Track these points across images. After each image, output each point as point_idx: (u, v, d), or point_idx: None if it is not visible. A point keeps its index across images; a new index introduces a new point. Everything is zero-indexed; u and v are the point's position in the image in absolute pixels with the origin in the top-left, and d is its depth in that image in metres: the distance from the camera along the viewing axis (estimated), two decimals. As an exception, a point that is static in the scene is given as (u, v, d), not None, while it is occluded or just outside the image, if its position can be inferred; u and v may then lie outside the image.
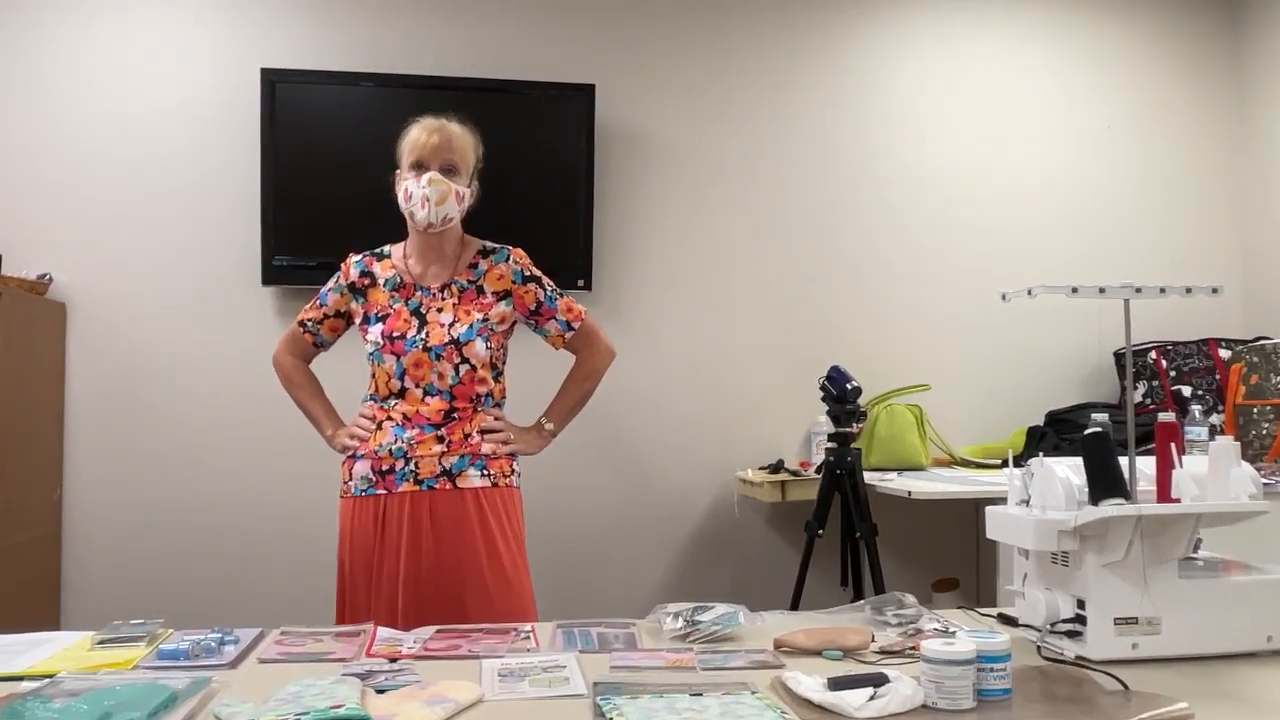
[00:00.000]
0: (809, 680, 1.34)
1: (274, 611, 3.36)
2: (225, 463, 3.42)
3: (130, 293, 3.39)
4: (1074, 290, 1.54)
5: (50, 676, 1.41)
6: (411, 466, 2.12)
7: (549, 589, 3.55)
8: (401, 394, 2.14)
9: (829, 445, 3.13)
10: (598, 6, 3.66)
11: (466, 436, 2.14)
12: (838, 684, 1.31)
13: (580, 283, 3.49)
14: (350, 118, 3.40)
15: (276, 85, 3.36)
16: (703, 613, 1.70)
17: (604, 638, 1.67)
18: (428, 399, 2.13)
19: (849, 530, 3.13)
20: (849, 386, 3.06)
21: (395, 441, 2.12)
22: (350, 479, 2.18)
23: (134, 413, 3.39)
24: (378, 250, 2.27)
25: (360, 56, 3.50)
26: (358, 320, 2.23)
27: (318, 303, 2.29)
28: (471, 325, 2.14)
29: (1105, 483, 1.49)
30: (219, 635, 1.62)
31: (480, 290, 2.20)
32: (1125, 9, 3.96)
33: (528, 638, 1.67)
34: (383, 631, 1.71)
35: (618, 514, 3.62)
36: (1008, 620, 1.73)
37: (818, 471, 3.31)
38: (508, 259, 2.23)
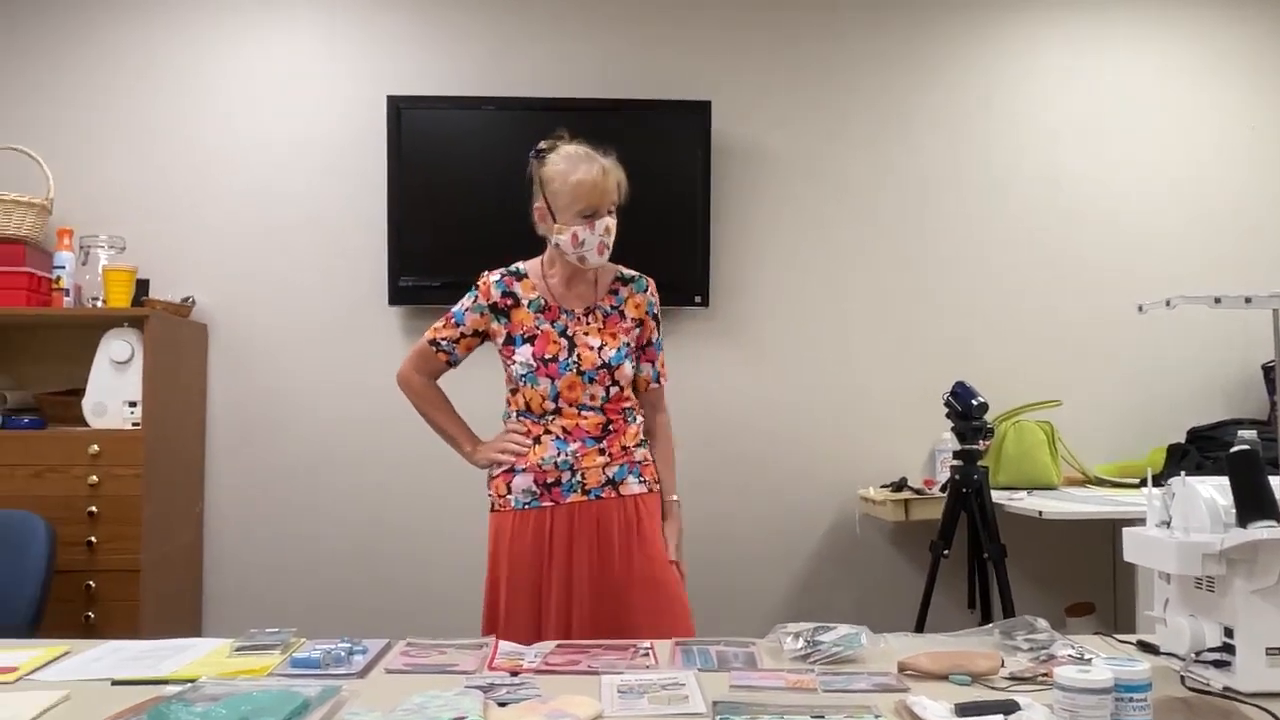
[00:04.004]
0: (935, 706, 1.30)
1: (401, 623, 3.45)
2: (355, 478, 3.53)
3: (266, 314, 3.55)
4: (1217, 300, 1.47)
5: (192, 681, 1.48)
6: (578, 478, 2.16)
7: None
8: (557, 412, 2.17)
9: (954, 463, 3.05)
10: (713, 23, 3.66)
11: (624, 448, 2.20)
12: (966, 710, 1.27)
13: (697, 299, 3.49)
14: (472, 140, 3.49)
15: (402, 111, 3.47)
16: (824, 633, 1.68)
17: (723, 656, 1.66)
18: (584, 414, 2.17)
19: (976, 551, 3.04)
20: (974, 402, 2.98)
21: (559, 455, 2.16)
22: (509, 493, 2.19)
23: (270, 428, 3.53)
24: (513, 269, 2.28)
25: (480, 81, 3.59)
26: (498, 340, 2.24)
27: (452, 321, 2.28)
28: (619, 349, 2.20)
29: (1254, 504, 1.41)
30: (348, 645, 1.67)
31: (621, 315, 2.25)
32: (1271, 6, 3.77)
33: (647, 654, 1.67)
34: (505, 645, 1.73)
35: (737, 532, 3.60)
36: (1148, 648, 1.65)
37: (942, 490, 3.23)
38: (645, 289, 2.29)
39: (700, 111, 3.51)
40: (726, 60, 3.65)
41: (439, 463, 3.52)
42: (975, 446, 3.01)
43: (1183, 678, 1.47)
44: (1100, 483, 3.52)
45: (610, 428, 2.19)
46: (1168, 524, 1.54)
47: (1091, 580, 3.61)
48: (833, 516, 3.61)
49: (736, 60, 3.66)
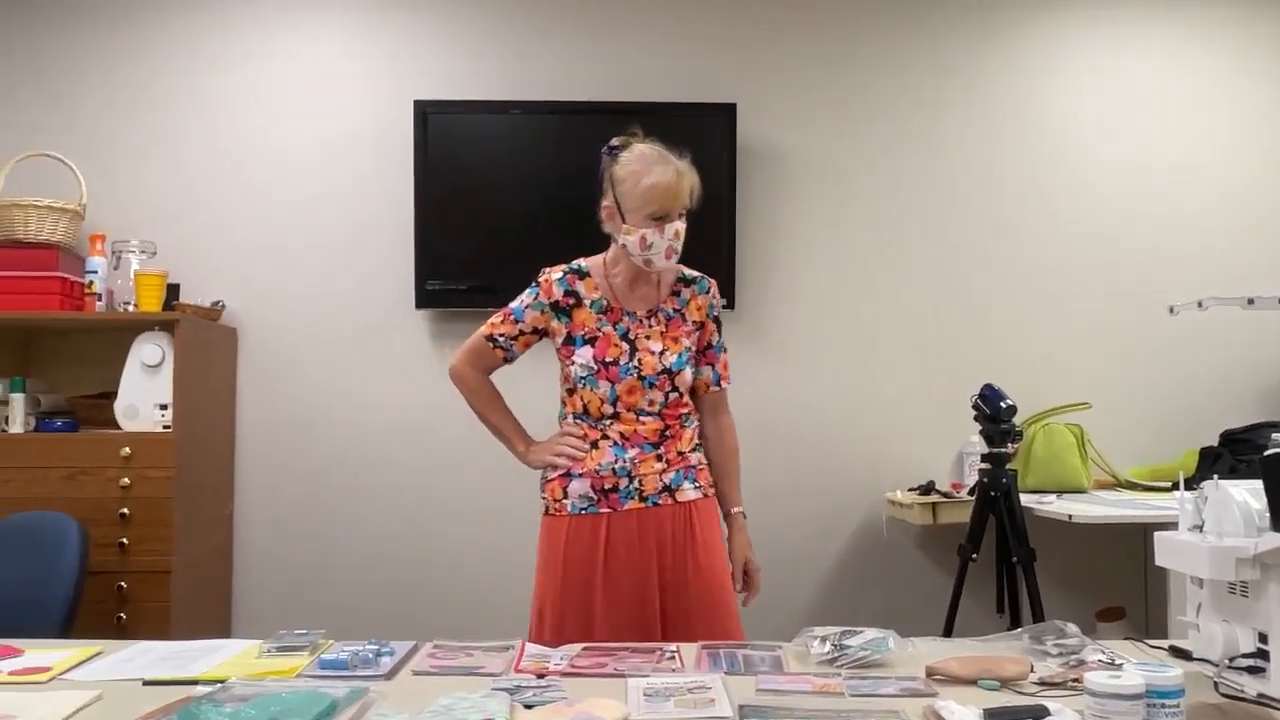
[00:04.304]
0: (964, 711, 1.29)
1: (428, 625, 3.47)
2: (383, 480, 3.55)
3: (294, 317, 3.57)
4: (1250, 301, 1.45)
5: (222, 682, 1.49)
6: (636, 484, 2.12)
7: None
8: (615, 416, 2.13)
9: (982, 466, 3.03)
10: (738, 26, 3.66)
11: (680, 454, 2.16)
12: (994, 716, 1.26)
13: (723, 302, 3.48)
14: (498, 144, 3.50)
15: (429, 116, 3.49)
16: (851, 637, 1.67)
17: (750, 660, 1.66)
18: (642, 419, 2.13)
19: (1005, 555, 3.02)
20: (1003, 405, 2.95)
21: (616, 461, 2.12)
22: (565, 497, 2.14)
23: (298, 431, 3.56)
24: (575, 267, 2.21)
25: (506, 85, 3.60)
26: (558, 339, 2.18)
27: (511, 318, 2.21)
28: (681, 355, 2.16)
29: (1289, 508, 1.39)
30: (376, 647, 1.68)
31: (683, 318, 2.20)
32: (1303, 2, 3.72)
33: (673, 658, 1.67)
34: (531, 648, 1.74)
35: (763, 535, 3.57)
36: (1180, 653, 1.63)
37: (970, 493, 3.21)
38: (708, 290, 2.25)
39: (726, 114, 3.51)
40: (752, 63, 3.65)
41: (468, 465, 3.55)
42: (1004, 449, 2.99)
43: (1216, 684, 1.46)
44: (1131, 486, 3.48)
45: (668, 433, 2.15)
46: (1200, 528, 1.52)
47: (1122, 585, 3.57)
48: (860, 520, 3.59)
49: (762, 63, 3.65)
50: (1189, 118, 3.71)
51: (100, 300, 3.28)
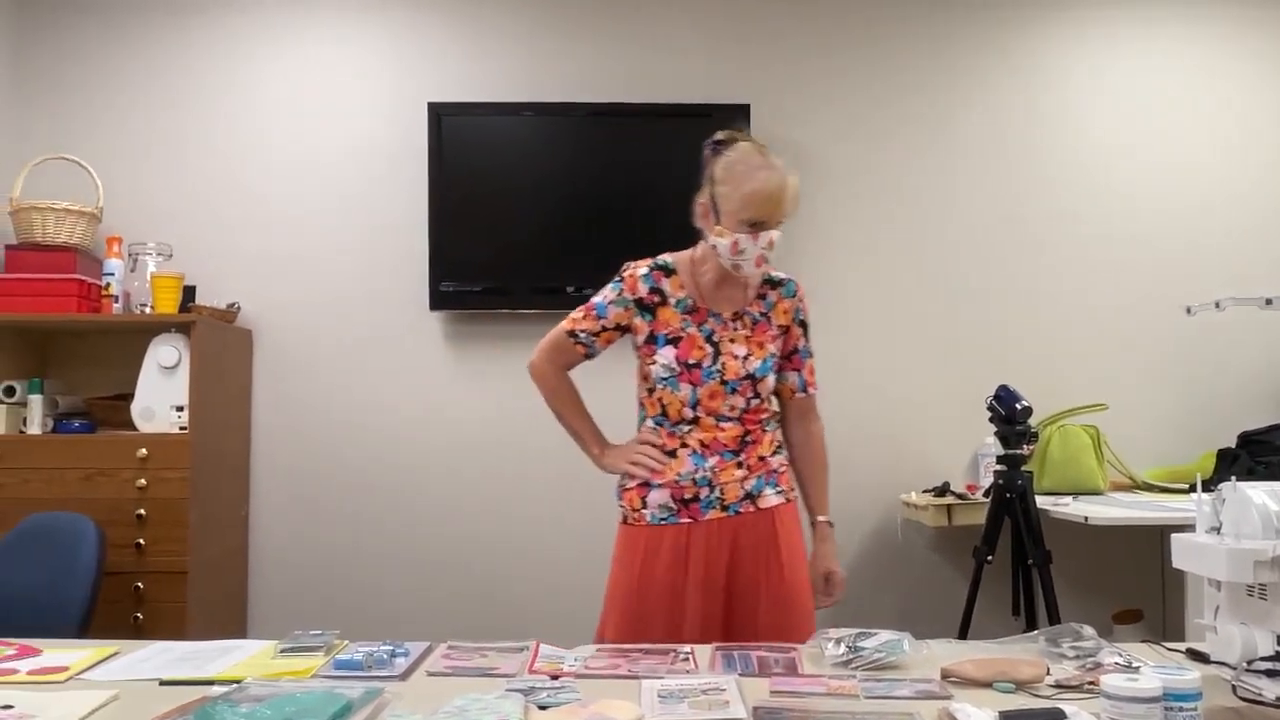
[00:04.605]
0: (979, 714, 1.29)
1: (442, 625, 3.48)
2: (398, 481, 3.56)
3: (309, 319, 3.59)
4: (1268, 302, 1.44)
5: (238, 682, 1.50)
6: (717, 494, 2.06)
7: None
8: (695, 421, 2.08)
9: (997, 467, 3.01)
10: (752, 27, 3.66)
11: (761, 458, 2.11)
12: (1010, 718, 1.26)
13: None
14: (511, 146, 3.51)
15: (443, 118, 3.50)
16: (866, 639, 1.66)
17: (764, 661, 1.65)
18: (722, 424, 2.07)
19: (1020, 557, 3.01)
20: (1019, 406, 2.94)
21: (697, 470, 2.06)
22: (644, 507, 2.08)
23: (313, 432, 3.57)
24: (661, 263, 2.13)
25: (520, 87, 3.61)
26: (640, 337, 2.11)
27: (594, 313, 2.13)
28: (765, 360, 2.10)
29: (1308, 510, 1.38)
30: (390, 648, 1.68)
31: (769, 322, 2.13)
32: (1321, 0, 3.69)
33: (687, 659, 1.67)
34: (545, 648, 1.74)
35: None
36: (1198, 656, 1.62)
37: (986, 495, 3.19)
38: (794, 293, 2.17)
39: (740, 115, 3.50)
40: (766, 63, 3.64)
41: (481, 466, 3.55)
42: (1019, 451, 2.98)
43: (1234, 687, 1.44)
44: (1148, 488, 3.46)
45: (748, 439, 2.09)
46: (1218, 530, 1.51)
47: (1139, 587, 3.55)
48: (875, 521, 3.58)
49: (776, 64, 3.65)
50: (1207, 118, 3.69)
51: (117, 302, 3.30)
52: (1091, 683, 1.46)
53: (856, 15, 3.67)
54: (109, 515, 2.97)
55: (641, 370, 2.14)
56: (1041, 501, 3.09)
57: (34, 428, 3.14)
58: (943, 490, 3.39)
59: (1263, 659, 1.42)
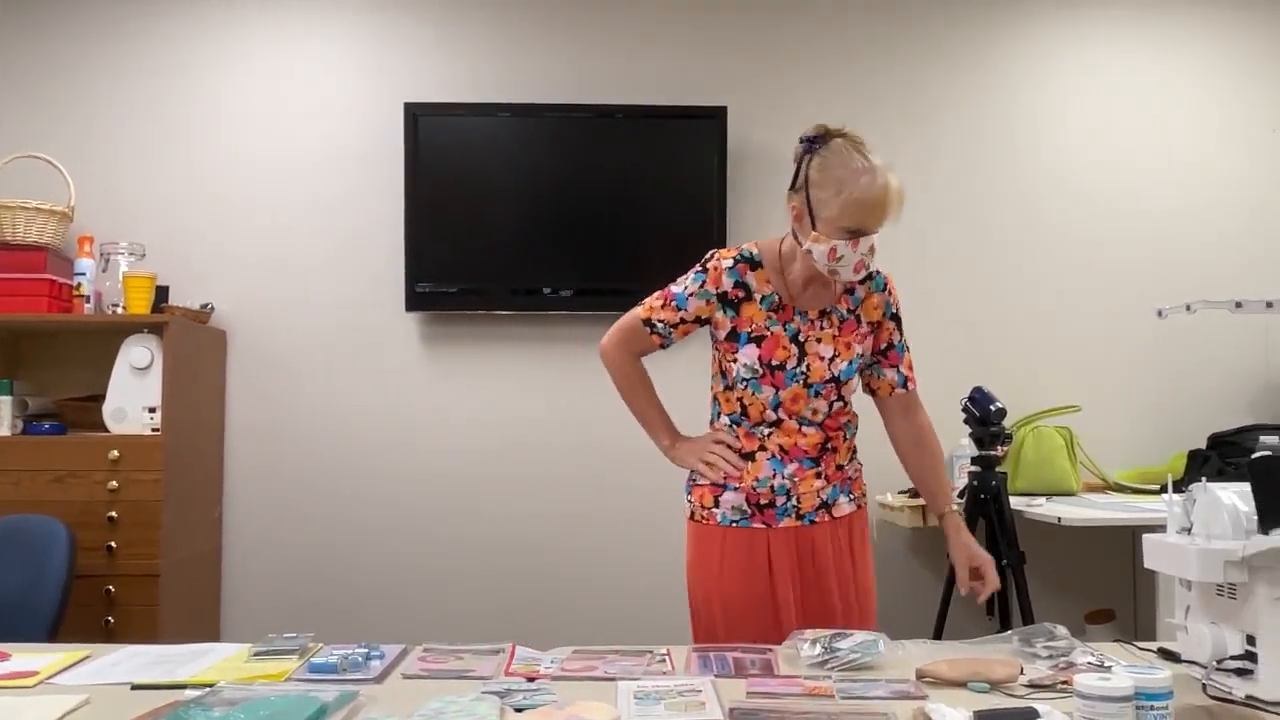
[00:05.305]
0: (954, 713, 1.29)
1: (418, 628, 3.46)
2: (373, 483, 3.54)
3: (284, 320, 3.56)
4: (1238, 305, 1.45)
5: (210, 686, 1.48)
6: (794, 502, 2.01)
7: (686, 614, 3.55)
8: (776, 424, 2.01)
9: (972, 469, 3.03)
10: (729, 29, 3.66)
11: (839, 467, 2.06)
12: (985, 718, 1.26)
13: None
14: (489, 147, 3.50)
15: (419, 118, 3.49)
16: (841, 640, 1.67)
17: (740, 663, 1.66)
18: (804, 429, 2.01)
19: (994, 557, 3.00)
20: (993, 408, 2.96)
21: (775, 477, 2.00)
22: (715, 506, 2.03)
23: (288, 434, 3.54)
24: (747, 254, 2.01)
25: (497, 87, 3.60)
26: (720, 332, 2.02)
27: (673, 304, 2.03)
28: (851, 362, 2.01)
29: (1276, 510, 1.39)
30: (365, 650, 1.67)
31: (858, 320, 2.04)
32: (1290, 7, 3.74)
33: (664, 660, 1.67)
34: (521, 650, 1.73)
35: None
36: (1169, 655, 1.64)
37: (960, 496, 3.21)
38: (884, 287, 2.08)
39: (716, 117, 3.51)
40: (742, 66, 3.65)
41: (457, 467, 3.54)
42: (993, 452, 2.99)
43: (1204, 686, 1.46)
44: (1120, 489, 3.49)
45: (828, 445, 2.03)
46: (1189, 530, 1.53)
47: (1111, 587, 3.58)
48: (850, 522, 3.59)
49: (753, 66, 3.66)
50: (1178, 121, 3.72)
51: (89, 302, 3.26)
52: (1065, 682, 1.47)
53: (834, 20, 3.68)
54: (80, 518, 2.93)
55: (719, 365, 2.06)
56: (1015, 502, 3.11)
57: (3, 429, 3.10)
58: (917, 491, 3.40)
59: (1232, 658, 1.44)
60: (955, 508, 2.11)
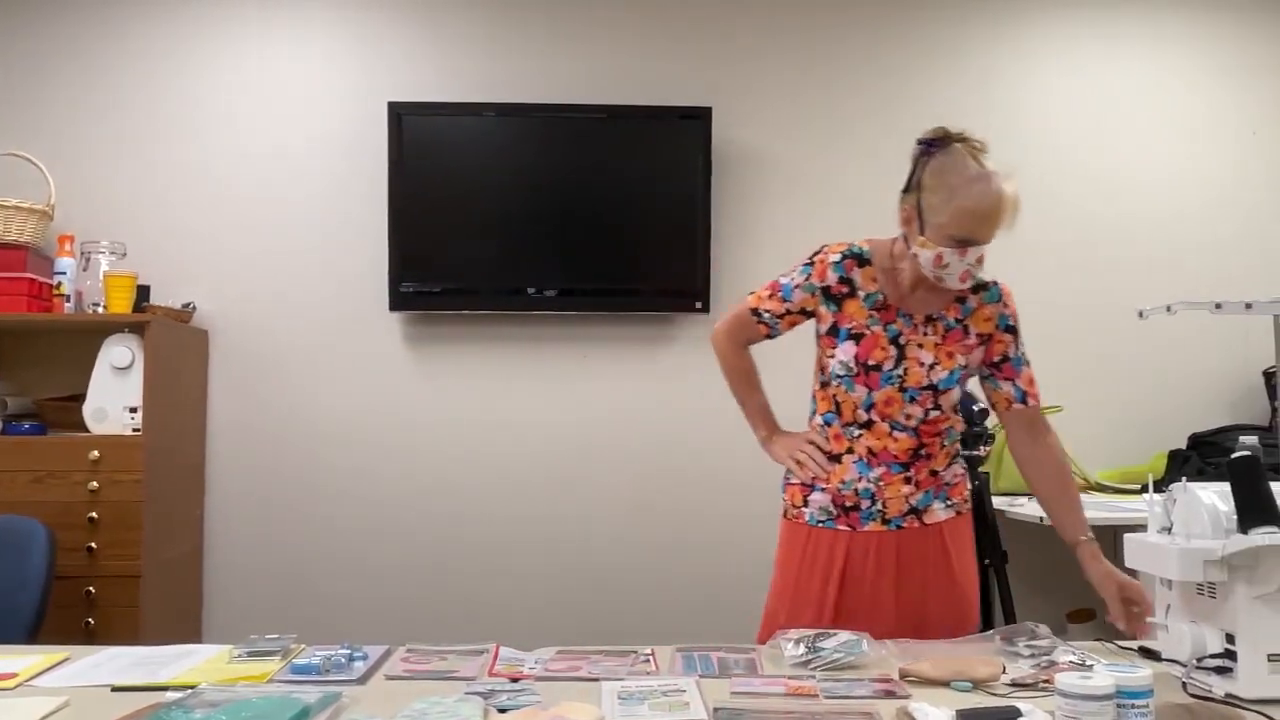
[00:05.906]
0: (937, 713, 1.30)
1: (401, 629, 3.45)
2: (355, 483, 3.53)
3: (267, 319, 3.55)
4: (1218, 306, 1.46)
5: (192, 688, 1.48)
6: (878, 506, 1.96)
7: (668, 612, 3.55)
8: (868, 425, 1.97)
9: (955, 469, 3.04)
10: (713, 30, 3.67)
11: (933, 473, 2.00)
12: (967, 717, 1.27)
13: (698, 305, 3.49)
14: (472, 146, 3.49)
15: (403, 117, 3.47)
16: (825, 639, 1.67)
17: (724, 663, 1.66)
18: (895, 434, 1.96)
19: (977, 557, 3.03)
20: (975, 408, 2.97)
21: (860, 480, 1.97)
22: (805, 505, 2.02)
23: (270, 434, 3.53)
24: (856, 250, 2.00)
25: (481, 87, 3.59)
26: (822, 326, 2.01)
27: (779, 295, 2.04)
28: (953, 372, 1.95)
29: (1255, 510, 1.41)
30: (348, 651, 1.66)
31: (965, 330, 1.99)
32: (1268, 9, 3.77)
33: (647, 661, 1.67)
34: (505, 651, 1.73)
35: (738, 538, 3.59)
36: (1150, 654, 1.65)
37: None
38: (998, 299, 2.03)
39: (701, 118, 3.51)
40: (727, 67, 3.66)
41: (440, 467, 3.53)
42: (976, 453, 3.00)
43: (1184, 684, 1.47)
44: (1101, 488, 3.51)
45: (921, 452, 1.97)
46: (1169, 530, 1.54)
47: (1093, 587, 3.59)
48: (833, 522, 3.60)
49: (737, 67, 3.66)
50: (1162, 125, 3.75)
51: (69, 301, 3.24)
52: (1046, 681, 1.48)
53: (819, 21, 3.69)
54: (60, 518, 2.91)
55: (819, 361, 2.05)
56: (998, 502, 3.12)
57: (-18, 429, 3.08)
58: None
59: (1212, 656, 1.45)
60: (1088, 537, 1.94)
